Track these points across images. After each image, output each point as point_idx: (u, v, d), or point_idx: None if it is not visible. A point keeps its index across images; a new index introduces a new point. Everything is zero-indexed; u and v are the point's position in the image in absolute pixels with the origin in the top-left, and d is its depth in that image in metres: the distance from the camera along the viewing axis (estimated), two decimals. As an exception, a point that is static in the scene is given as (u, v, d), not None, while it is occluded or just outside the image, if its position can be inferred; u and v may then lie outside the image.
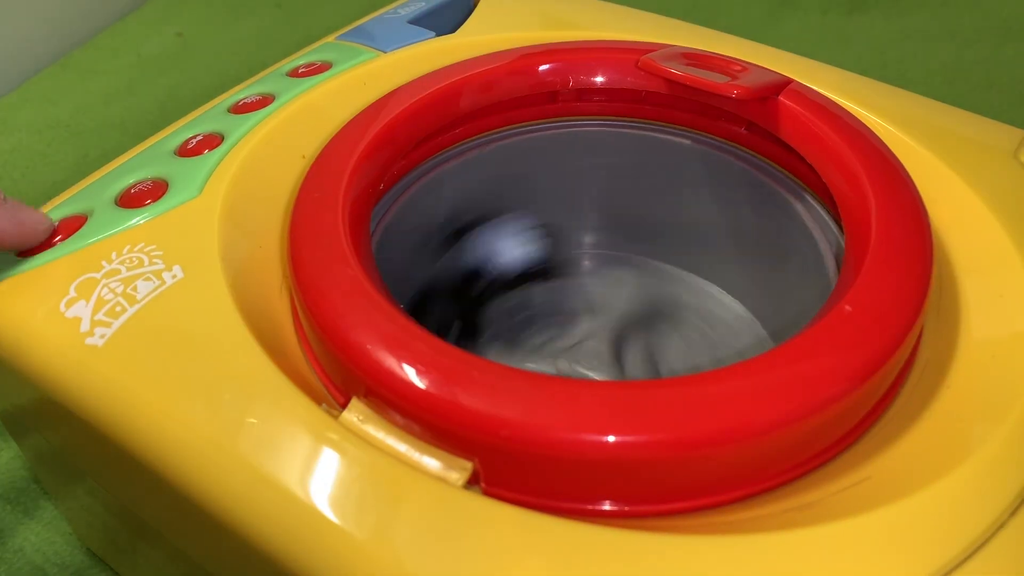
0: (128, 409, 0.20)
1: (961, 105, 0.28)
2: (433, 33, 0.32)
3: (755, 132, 0.28)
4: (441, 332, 0.29)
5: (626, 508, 0.18)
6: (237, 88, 0.30)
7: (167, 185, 0.25)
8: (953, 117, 0.28)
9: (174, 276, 0.22)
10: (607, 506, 0.18)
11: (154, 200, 0.24)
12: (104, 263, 0.23)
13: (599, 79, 0.29)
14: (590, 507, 0.18)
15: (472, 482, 0.18)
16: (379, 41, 0.32)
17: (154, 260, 0.23)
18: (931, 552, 0.16)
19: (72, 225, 0.24)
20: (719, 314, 0.31)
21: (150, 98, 0.58)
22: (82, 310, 0.22)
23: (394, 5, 0.35)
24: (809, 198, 0.27)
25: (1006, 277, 0.22)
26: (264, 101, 0.29)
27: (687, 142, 0.30)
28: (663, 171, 0.31)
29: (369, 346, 0.18)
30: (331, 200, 0.22)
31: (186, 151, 0.27)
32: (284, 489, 0.17)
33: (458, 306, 0.32)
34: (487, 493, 0.18)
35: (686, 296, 0.32)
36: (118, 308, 0.21)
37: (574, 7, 0.35)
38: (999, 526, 0.17)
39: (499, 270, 0.32)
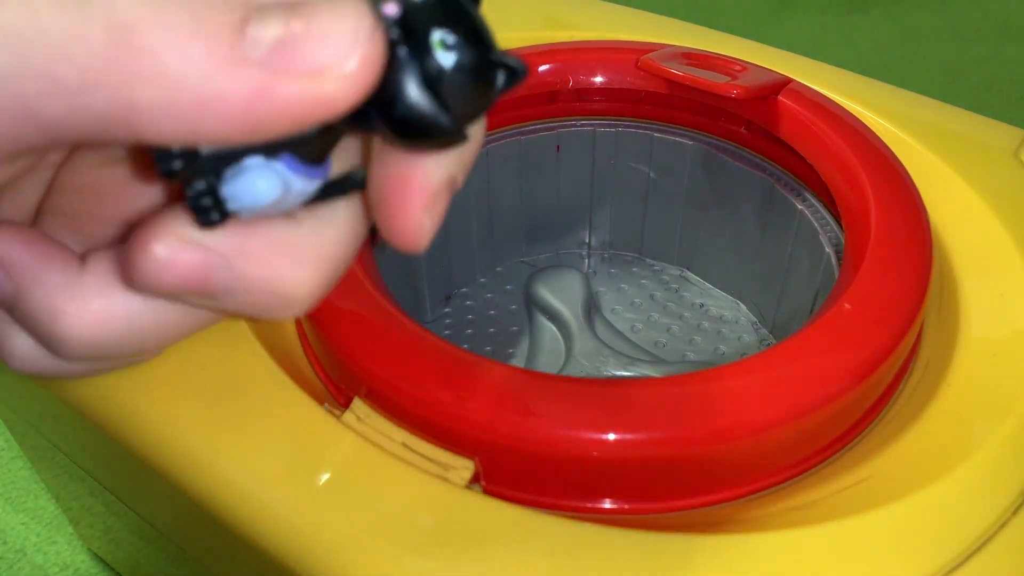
0: (131, 409, 0.20)
1: (961, 105, 0.28)
2: (434, 34, 0.32)
3: (754, 131, 0.28)
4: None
5: (626, 506, 0.18)
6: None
7: (168, 186, 0.25)
8: (953, 117, 0.28)
9: (175, 276, 0.22)
10: (607, 504, 0.18)
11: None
12: (105, 264, 0.23)
13: (599, 79, 0.29)
14: (590, 505, 0.18)
15: (473, 481, 0.18)
16: (379, 42, 0.32)
17: (155, 261, 0.23)
18: (931, 552, 0.16)
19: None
20: (719, 311, 0.31)
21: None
22: (83, 311, 0.22)
23: (394, 6, 0.35)
24: (809, 196, 0.27)
25: (1006, 277, 0.22)
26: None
27: (687, 141, 0.30)
28: (663, 170, 0.31)
29: (370, 346, 0.18)
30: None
31: (187, 152, 0.27)
32: (285, 488, 0.17)
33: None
34: (487, 492, 0.18)
35: (686, 294, 0.32)
36: (119, 308, 0.21)
37: (574, 7, 0.35)
38: (1000, 525, 0.17)
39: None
